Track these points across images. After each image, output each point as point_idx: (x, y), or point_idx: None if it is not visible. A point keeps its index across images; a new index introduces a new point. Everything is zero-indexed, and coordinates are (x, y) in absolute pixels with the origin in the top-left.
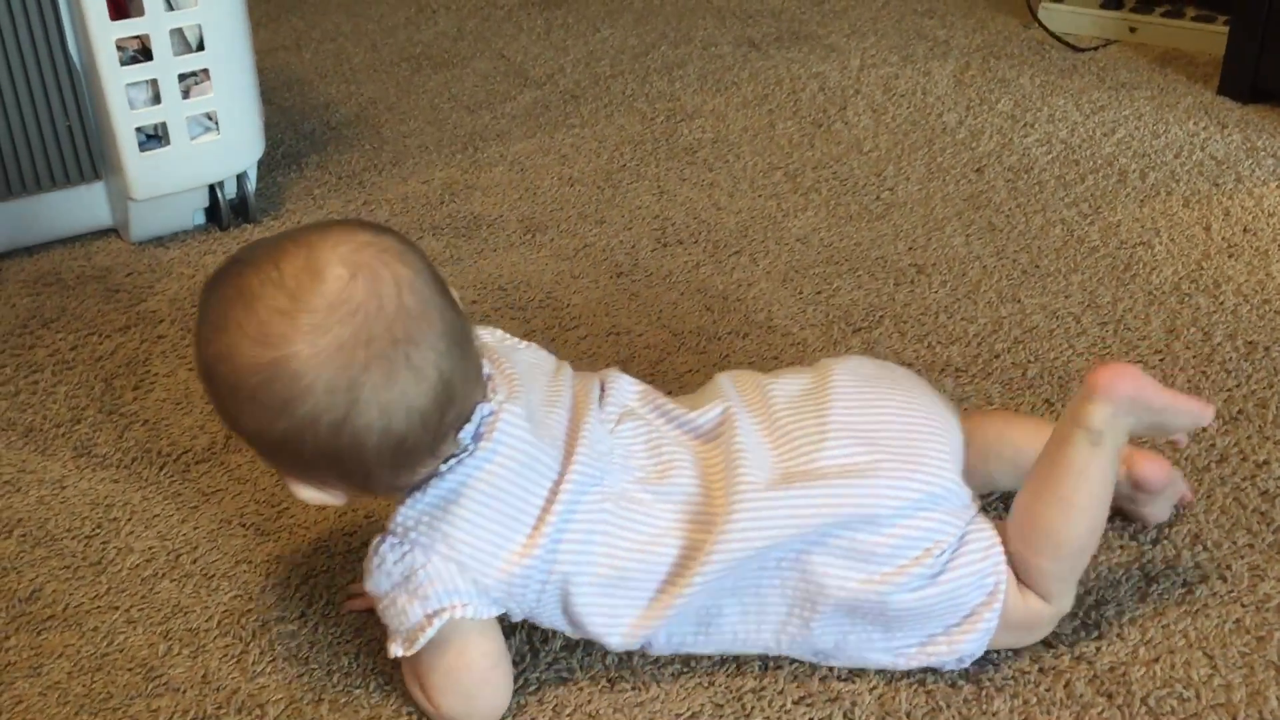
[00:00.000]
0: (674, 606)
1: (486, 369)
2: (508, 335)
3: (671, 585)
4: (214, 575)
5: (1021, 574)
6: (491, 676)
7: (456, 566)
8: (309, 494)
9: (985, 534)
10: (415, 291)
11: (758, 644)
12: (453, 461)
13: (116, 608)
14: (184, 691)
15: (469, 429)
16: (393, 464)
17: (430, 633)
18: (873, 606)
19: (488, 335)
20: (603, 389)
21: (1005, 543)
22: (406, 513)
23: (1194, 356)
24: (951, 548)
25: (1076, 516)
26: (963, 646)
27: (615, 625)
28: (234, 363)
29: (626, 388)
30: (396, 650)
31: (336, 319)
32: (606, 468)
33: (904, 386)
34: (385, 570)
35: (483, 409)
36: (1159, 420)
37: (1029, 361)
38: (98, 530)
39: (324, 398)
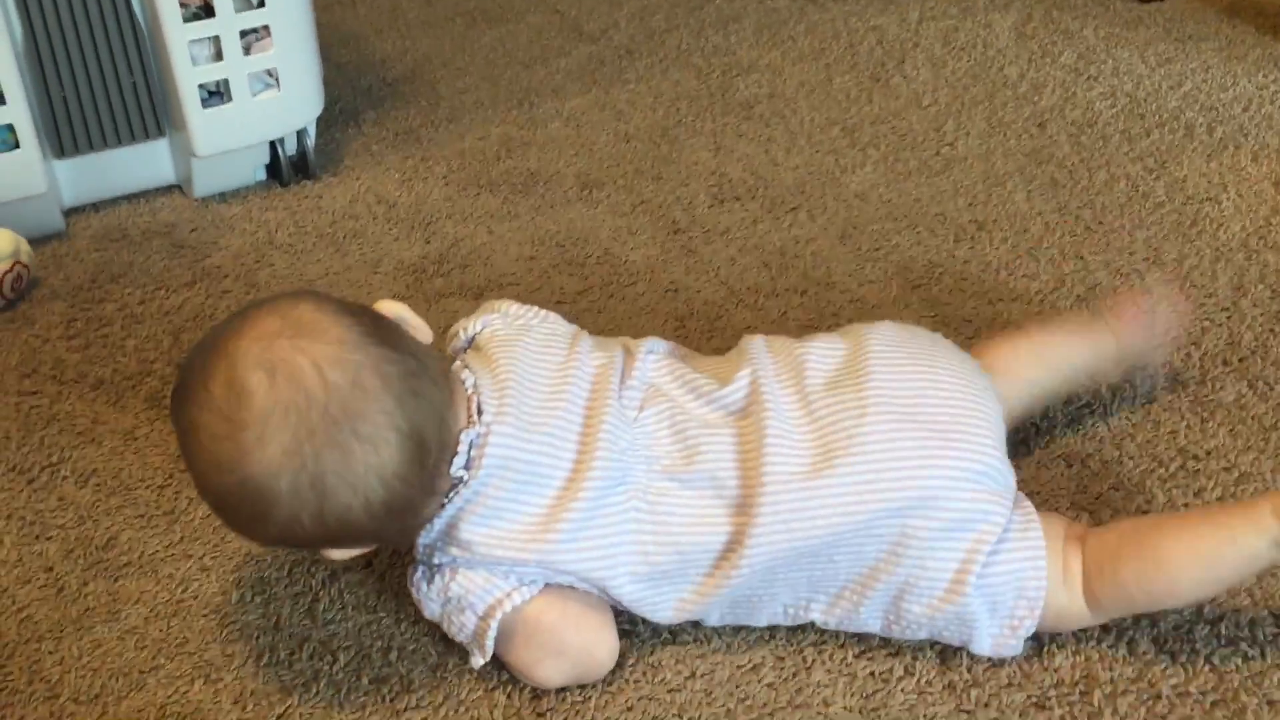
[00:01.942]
0: (719, 592)
1: (469, 382)
2: (522, 310)
3: (717, 570)
4: None
5: (1101, 584)
6: (565, 622)
7: (483, 569)
8: (338, 554)
9: (1033, 538)
10: (339, 364)
11: (806, 619)
12: (452, 494)
13: (190, 556)
14: (258, 637)
15: (459, 460)
16: (392, 521)
17: (492, 632)
18: (921, 591)
19: (498, 319)
20: (627, 364)
21: (1096, 550)
22: (424, 541)
23: (1261, 314)
24: (998, 539)
25: (1210, 585)
26: (1002, 650)
27: (660, 609)
28: (209, 491)
29: (653, 362)
30: (477, 661)
31: (273, 427)
32: (629, 464)
33: (941, 358)
34: (427, 596)
35: (469, 436)
36: None
37: None
38: (170, 480)
39: (293, 500)
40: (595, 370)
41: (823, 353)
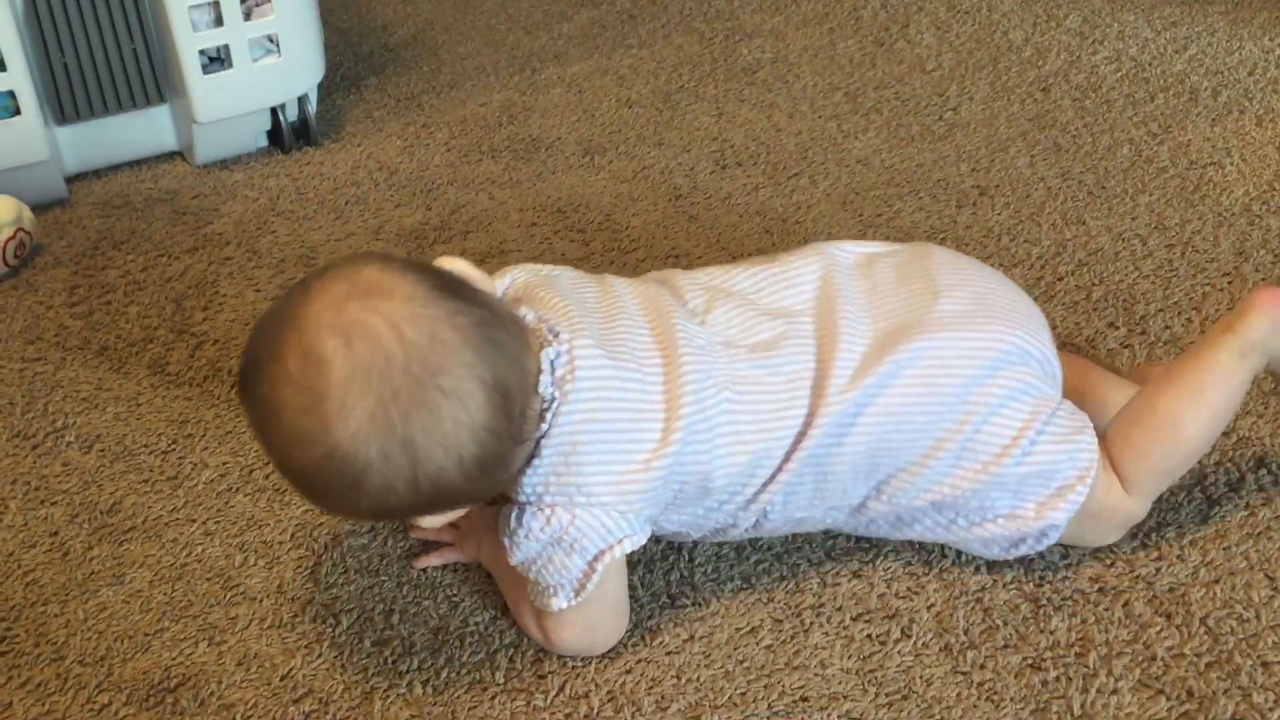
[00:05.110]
0: (791, 470)
1: (530, 317)
2: (540, 266)
3: (794, 450)
4: (286, 490)
5: (1121, 458)
6: (618, 608)
7: (601, 510)
8: (430, 522)
9: (1082, 416)
10: (414, 321)
11: (860, 504)
12: (549, 416)
13: (194, 520)
14: (260, 600)
15: (545, 379)
16: (485, 477)
17: (597, 578)
18: (979, 454)
19: (520, 272)
20: (673, 280)
21: (1108, 431)
22: (532, 480)
23: (1263, 279)
24: (1051, 413)
25: (1205, 413)
26: (1052, 515)
27: (744, 500)
28: (294, 468)
29: (703, 275)
30: (562, 603)
31: (355, 393)
32: (713, 359)
33: (998, 274)
34: (533, 538)
35: (549, 354)
36: None
37: (1093, 284)
38: (174, 446)
39: (384, 467)
40: (632, 291)
41: (887, 254)
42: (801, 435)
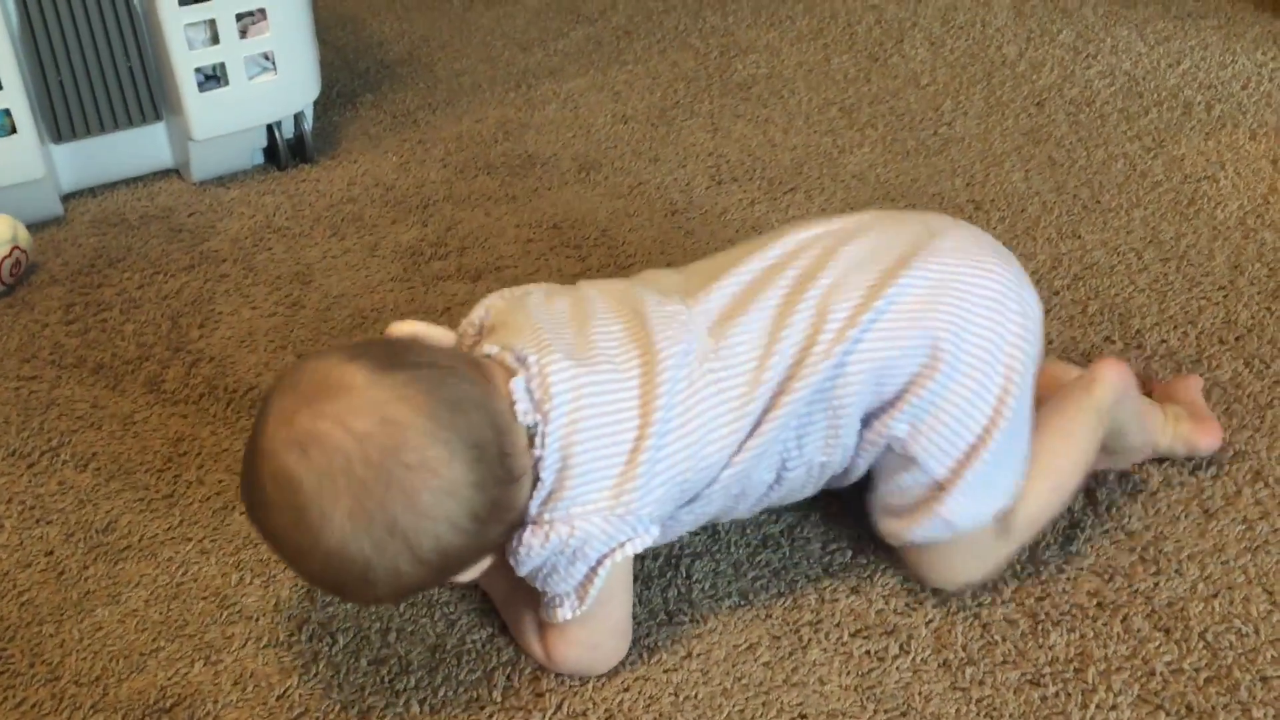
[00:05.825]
0: (790, 403)
1: (495, 351)
2: (516, 288)
3: (786, 390)
4: None
5: None
6: (619, 629)
7: (599, 516)
8: (466, 577)
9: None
10: (359, 411)
11: (842, 438)
12: (538, 440)
13: (190, 539)
14: (257, 619)
15: (523, 407)
16: (488, 526)
17: (599, 582)
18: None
19: (495, 299)
20: (652, 279)
21: None
22: (534, 505)
23: (1259, 293)
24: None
25: (1070, 447)
26: (966, 507)
27: (725, 462)
28: (311, 577)
29: (689, 267)
30: (567, 613)
31: (328, 498)
32: (693, 334)
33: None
34: (534, 553)
35: (519, 384)
36: (1132, 418)
37: (1089, 298)
38: (169, 464)
39: (381, 555)
40: (602, 292)
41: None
42: (797, 365)
